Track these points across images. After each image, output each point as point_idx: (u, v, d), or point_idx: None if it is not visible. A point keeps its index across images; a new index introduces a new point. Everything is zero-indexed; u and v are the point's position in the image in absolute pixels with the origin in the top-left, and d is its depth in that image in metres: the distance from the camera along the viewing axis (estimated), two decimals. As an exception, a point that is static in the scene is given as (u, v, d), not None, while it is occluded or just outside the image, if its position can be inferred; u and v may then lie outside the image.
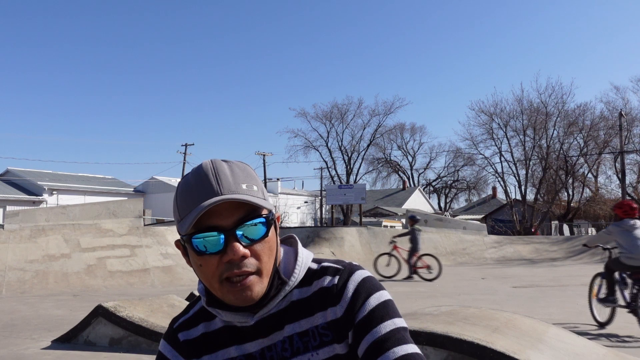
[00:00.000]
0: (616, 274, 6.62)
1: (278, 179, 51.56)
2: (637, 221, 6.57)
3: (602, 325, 6.73)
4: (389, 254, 14.43)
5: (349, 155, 45.51)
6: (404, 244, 14.08)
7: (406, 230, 14.70)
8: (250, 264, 0.92)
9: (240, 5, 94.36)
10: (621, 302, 6.53)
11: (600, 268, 7.37)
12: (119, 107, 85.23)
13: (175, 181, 45.48)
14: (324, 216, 48.86)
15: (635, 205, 6.72)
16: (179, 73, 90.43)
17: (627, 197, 33.70)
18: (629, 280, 6.44)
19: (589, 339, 5.32)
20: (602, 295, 6.76)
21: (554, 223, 38.21)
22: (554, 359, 3.34)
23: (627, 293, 6.46)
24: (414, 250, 13.54)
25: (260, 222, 0.93)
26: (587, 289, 7.75)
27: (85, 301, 9.82)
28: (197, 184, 0.93)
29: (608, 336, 6.30)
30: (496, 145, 36.60)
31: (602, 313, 6.89)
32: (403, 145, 57.87)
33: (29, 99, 78.17)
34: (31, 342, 6.25)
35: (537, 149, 35.31)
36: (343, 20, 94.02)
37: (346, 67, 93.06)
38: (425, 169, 59.00)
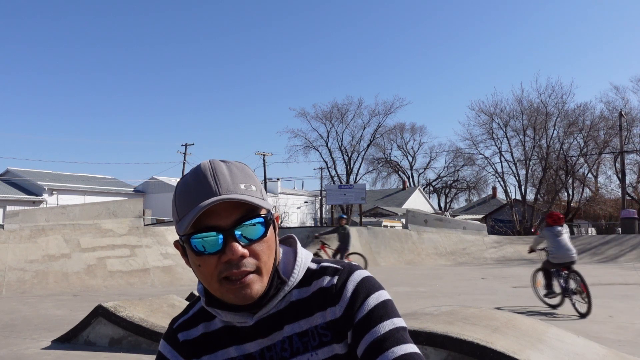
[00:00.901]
0: (552, 270, 8.21)
1: (278, 179, 51.54)
2: (562, 228, 8.15)
3: (553, 307, 8.32)
4: (315, 254, 14.39)
5: (349, 155, 45.54)
6: (334, 244, 14.06)
7: (331, 229, 14.69)
8: (249, 263, 0.92)
9: (240, 6, 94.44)
10: (558, 290, 8.13)
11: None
12: (119, 107, 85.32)
13: (175, 181, 45.47)
14: (324, 216, 48.86)
15: (561, 216, 8.44)
16: (179, 73, 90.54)
17: (627, 197, 33.74)
18: (561, 273, 8.07)
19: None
20: (544, 291, 8.37)
21: (554, 223, 38.13)
22: (554, 359, 3.34)
23: (562, 281, 8.04)
24: (342, 249, 13.51)
25: (258, 222, 0.93)
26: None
27: (85, 301, 9.82)
28: (196, 184, 0.93)
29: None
30: (496, 145, 36.62)
31: (551, 298, 8.42)
32: (403, 145, 57.94)
33: (29, 99, 78.23)
34: (31, 342, 6.24)
35: (537, 149, 35.30)
36: (343, 20, 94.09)
37: (346, 67, 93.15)
38: (425, 169, 59.08)
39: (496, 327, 3.74)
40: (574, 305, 7.77)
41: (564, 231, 8.15)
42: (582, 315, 7.55)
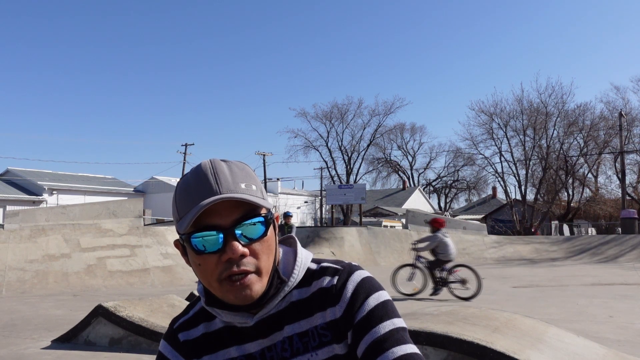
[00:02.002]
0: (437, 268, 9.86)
1: (278, 179, 51.54)
2: (445, 232, 9.94)
3: (410, 295, 9.87)
4: None
5: (349, 155, 45.52)
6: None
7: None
8: (249, 263, 0.92)
9: (240, 6, 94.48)
10: (436, 281, 9.85)
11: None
12: (119, 107, 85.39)
13: (175, 181, 45.48)
14: (324, 216, 48.86)
15: (443, 221, 10.18)
16: (179, 73, 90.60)
17: (627, 197, 33.74)
18: (445, 267, 9.80)
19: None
20: (428, 280, 10.01)
21: (554, 223, 38.19)
22: (554, 359, 3.34)
23: (444, 274, 9.78)
24: None
25: (259, 222, 0.93)
26: (587, 289, 9.56)
27: (85, 301, 9.82)
28: (196, 183, 0.93)
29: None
30: (496, 145, 36.58)
31: (406, 288, 10.09)
32: (403, 145, 57.94)
33: (29, 99, 78.25)
34: (31, 342, 6.24)
35: (537, 149, 35.27)
36: (343, 20, 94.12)
37: (346, 67, 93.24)
38: (425, 169, 59.09)
39: (496, 327, 3.74)
40: (452, 292, 9.52)
41: (448, 234, 9.99)
42: (466, 299, 9.14)
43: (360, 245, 19.97)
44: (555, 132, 35.05)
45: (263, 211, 0.94)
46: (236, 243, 0.90)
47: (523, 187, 35.57)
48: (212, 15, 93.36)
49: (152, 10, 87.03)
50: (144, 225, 16.53)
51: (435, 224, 9.93)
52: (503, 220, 39.53)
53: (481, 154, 38.67)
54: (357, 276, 1.00)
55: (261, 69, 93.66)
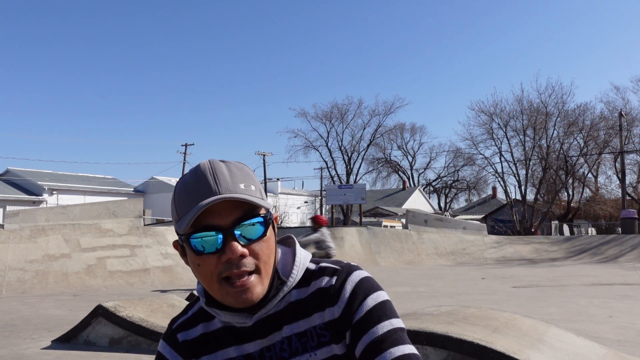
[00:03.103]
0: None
1: (278, 179, 51.55)
2: (326, 229, 10.34)
3: None
4: None
5: (349, 155, 45.53)
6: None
7: None
8: (249, 263, 0.92)
9: (240, 6, 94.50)
10: None
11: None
12: (119, 107, 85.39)
13: (175, 181, 45.38)
14: (324, 216, 48.81)
15: (326, 219, 9.49)
16: (179, 73, 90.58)
17: (627, 197, 33.74)
18: None
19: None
20: None
21: (554, 223, 38.19)
22: (554, 359, 3.34)
23: None
24: None
25: (258, 222, 0.93)
26: (587, 289, 9.41)
27: (85, 301, 9.81)
28: (195, 183, 0.93)
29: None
30: (496, 145, 36.56)
31: None
32: (403, 145, 57.96)
33: (29, 99, 78.26)
34: (31, 342, 6.24)
35: (537, 149, 35.26)
36: (343, 20, 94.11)
37: (346, 67, 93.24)
38: (425, 169, 59.11)
39: (496, 327, 3.74)
40: None
41: (328, 232, 10.48)
42: None
43: (360, 245, 19.97)
44: (555, 132, 35.08)
45: (262, 211, 0.94)
46: (235, 243, 0.90)
47: (523, 187, 35.57)
48: (212, 15, 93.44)
49: (151, 10, 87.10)
50: (144, 225, 16.53)
51: (320, 221, 10.34)
52: (503, 220, 39.50)
53: (481, 154, 38.68)
54: (356, 276, 0.99)
55: (261, 69, 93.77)
